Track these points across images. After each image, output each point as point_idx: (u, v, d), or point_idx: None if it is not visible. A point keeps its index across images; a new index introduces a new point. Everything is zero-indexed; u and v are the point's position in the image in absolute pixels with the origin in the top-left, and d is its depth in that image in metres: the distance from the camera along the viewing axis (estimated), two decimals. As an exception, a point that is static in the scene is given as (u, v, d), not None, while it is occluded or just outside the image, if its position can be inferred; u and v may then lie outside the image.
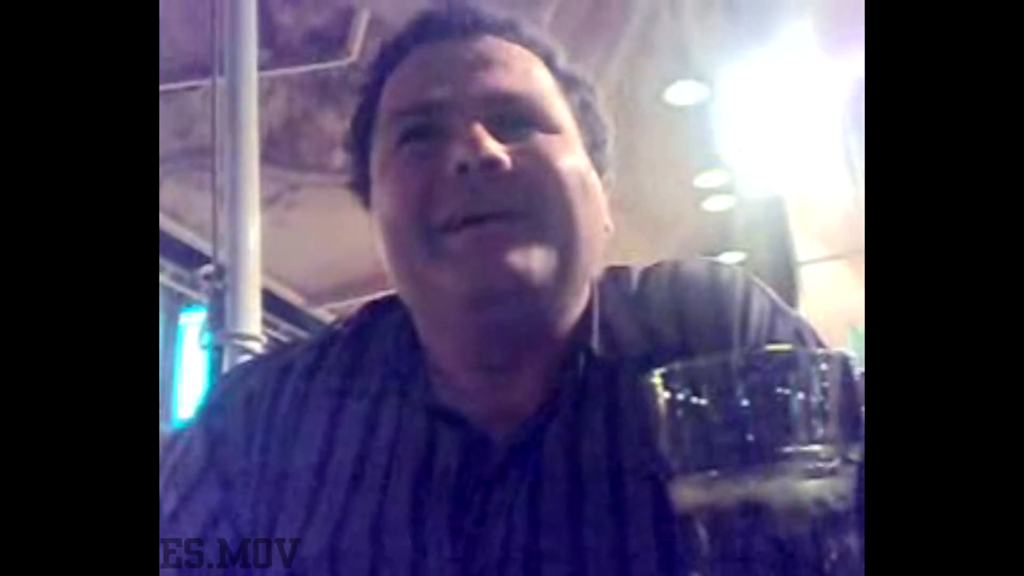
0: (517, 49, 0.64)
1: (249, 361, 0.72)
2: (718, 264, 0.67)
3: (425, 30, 0.65)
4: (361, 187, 0.67)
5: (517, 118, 0.61)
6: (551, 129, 0.62)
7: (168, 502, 0.64)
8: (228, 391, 0.67)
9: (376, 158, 0.64)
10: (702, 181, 4.88)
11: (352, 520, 0.59)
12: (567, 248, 0.59)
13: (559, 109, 0.63)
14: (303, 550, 0.59)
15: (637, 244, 4.68)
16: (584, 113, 0.66)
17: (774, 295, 0.67)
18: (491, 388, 0.62)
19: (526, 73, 0.63)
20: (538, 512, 0.58)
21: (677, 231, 5.19)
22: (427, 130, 0.61)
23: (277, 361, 0.68)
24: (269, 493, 0.62)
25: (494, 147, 0.58)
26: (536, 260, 0.57)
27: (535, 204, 0.59)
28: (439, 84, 0.61)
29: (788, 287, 4.73)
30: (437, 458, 0.60)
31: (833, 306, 4.33)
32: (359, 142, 0.67)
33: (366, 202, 0.67)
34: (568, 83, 0.66)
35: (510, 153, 0.59)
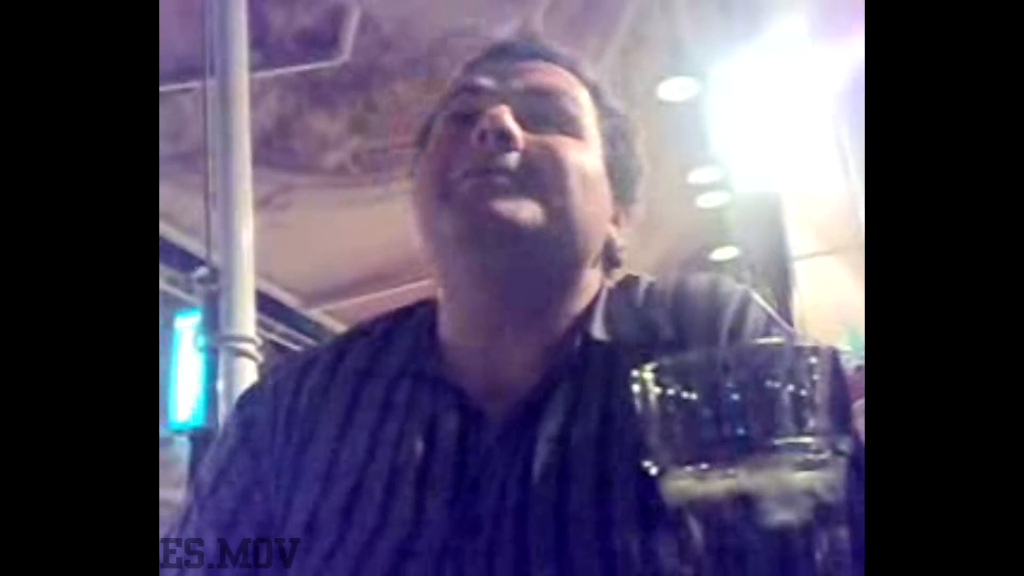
0: (565, 71, 0.72)
1: (278, 362, 0.80)
2: (721, 278, 0.73)
3: (493, 52, 0.74)
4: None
5: (544, 115, 0.67)
6: (572, 133, 0.68)
7: (208, 478, 0.71)
8: (259, 385, 0.76)
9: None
10: (695, 177, 4.88)
11: (365, 485, 0.65)
12: (558, 216, 0.64)
13: (588, 123, 0.70)
14: (320, 511, 0.65)
15: (630, 241, 4.68)
16: (615, 137, 0.72)
17: (772, 311, 0.71)
18: (490, 365, 0.67)
19: (566, 81, 0.70)
20: (528, 486, 0.61)
21: (671, 228, 5.19)
22: (469, 111, 0.68)
23: (303, 357, 0.76)
24: (293, 465, 0.68)
25: (512, 124, 0.64)
26: (524, 211, 0.63)
27: (536, 177, 0.65)
28: (488, 76, 0.70)
29: (782, 282, 4.74)
30: (440, 430, 0.65)
31: (828, 301, 4.33)
32: (425, 137, 0.74)
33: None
34: (606, 112, 0.73)
35: (527, 141, 0.65)
